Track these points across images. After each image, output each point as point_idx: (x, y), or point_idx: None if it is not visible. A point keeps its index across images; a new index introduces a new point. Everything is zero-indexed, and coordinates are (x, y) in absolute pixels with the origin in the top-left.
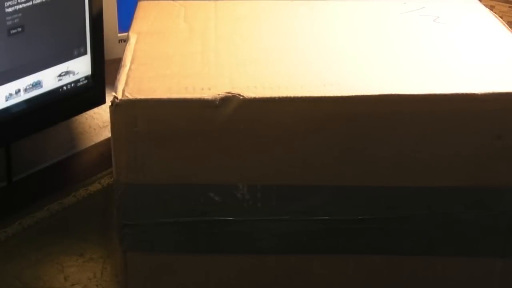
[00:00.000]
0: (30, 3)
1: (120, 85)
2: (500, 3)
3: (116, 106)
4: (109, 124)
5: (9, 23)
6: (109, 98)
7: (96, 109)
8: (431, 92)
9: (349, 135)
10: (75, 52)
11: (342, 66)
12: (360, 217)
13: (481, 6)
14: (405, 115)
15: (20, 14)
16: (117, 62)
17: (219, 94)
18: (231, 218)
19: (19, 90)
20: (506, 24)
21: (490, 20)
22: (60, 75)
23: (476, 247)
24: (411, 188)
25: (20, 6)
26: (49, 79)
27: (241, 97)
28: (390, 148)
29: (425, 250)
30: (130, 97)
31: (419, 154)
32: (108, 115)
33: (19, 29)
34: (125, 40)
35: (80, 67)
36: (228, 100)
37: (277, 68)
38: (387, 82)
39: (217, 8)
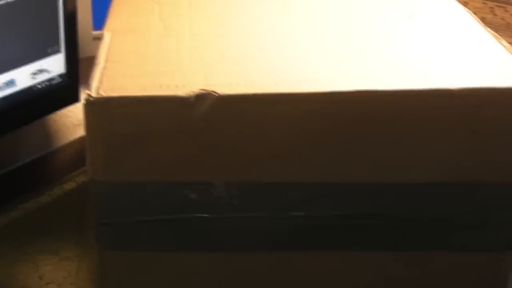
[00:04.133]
0: (3, 1)
1: (94, 83)
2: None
3: (90, 104)
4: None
5: None
6: (83, 96)
7: (70, 107)
8: (406, 88)
9: (326, 132)
10: (49, 50)
11: (318, 63)
12: (339, 214)
13: (455, 3)
14: (381, 112)
15: None
16: (92, 60)
17: (193, 91)
18: (208, 216)
19: None
20: (480, 21)
21: (464, 17)
22: (34, 74)
23: (455, 243)
24: (390, 184)
25: None
26: (23, 77)
27: (215, 94)
28: (367, 145)
29: (406, 246)
30: (104, 95)
31: (396, 150)
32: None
33: None
34: (99, 38)
35: (54, 65)
36: (202, 97)
37: (253, 65)
38: (363, 79)
39: (192, 5)
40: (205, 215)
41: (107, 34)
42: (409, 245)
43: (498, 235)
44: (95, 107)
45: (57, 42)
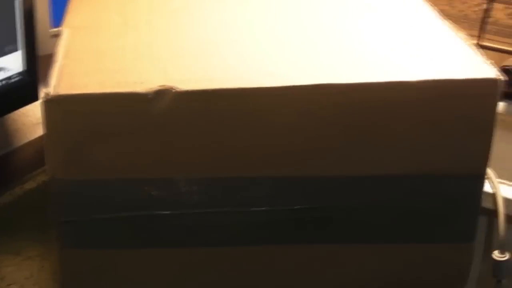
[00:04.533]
0: None
1: (53, 81)
2: None
3: (49, 103)
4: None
5: None
6: (42, 95)
7: (29, 106)
8: (364, 81)
9: (287, 126)
10: (7, 49)
11: (277, 57)
12: (302, 208)
13: None
14: (341, 105)
15: None
16: (50, 58)
17: (151, 88)
18: (170, 212)
19: None
20: (439, 12)
21: (423, 8)
22: None
23: (417, 234)
24: (352, 177)
25: None
26: None
27: (174, 90)
28: (328, 138)
29: (369, 239)
30: (62, 93)
31: (357, 143)
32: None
33: None
34: (58, 35)
35: (12, 63)
36: (161, 94)
37: (212, 61)
38: (322, 72)
39: (151, 0)
40: (167, 211)
41: (65, 31)
42: (372, 238)
43: (459, 226)
44: (53, 105)
45: (15, 40)
